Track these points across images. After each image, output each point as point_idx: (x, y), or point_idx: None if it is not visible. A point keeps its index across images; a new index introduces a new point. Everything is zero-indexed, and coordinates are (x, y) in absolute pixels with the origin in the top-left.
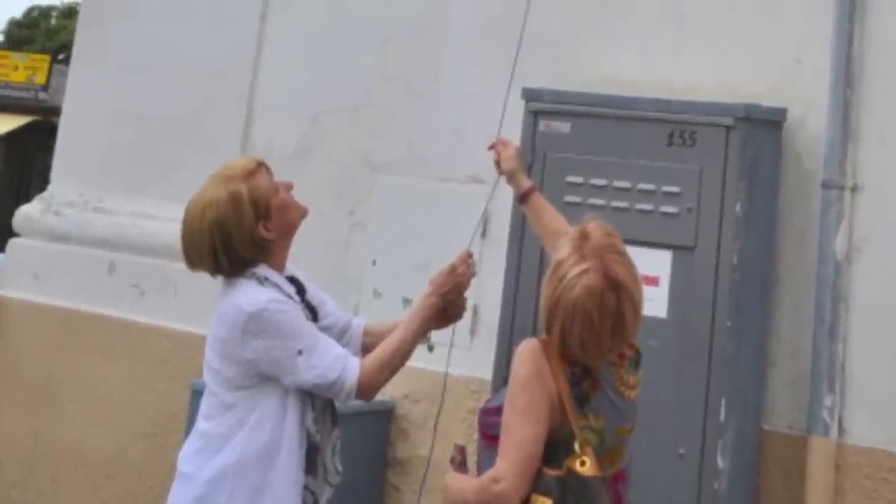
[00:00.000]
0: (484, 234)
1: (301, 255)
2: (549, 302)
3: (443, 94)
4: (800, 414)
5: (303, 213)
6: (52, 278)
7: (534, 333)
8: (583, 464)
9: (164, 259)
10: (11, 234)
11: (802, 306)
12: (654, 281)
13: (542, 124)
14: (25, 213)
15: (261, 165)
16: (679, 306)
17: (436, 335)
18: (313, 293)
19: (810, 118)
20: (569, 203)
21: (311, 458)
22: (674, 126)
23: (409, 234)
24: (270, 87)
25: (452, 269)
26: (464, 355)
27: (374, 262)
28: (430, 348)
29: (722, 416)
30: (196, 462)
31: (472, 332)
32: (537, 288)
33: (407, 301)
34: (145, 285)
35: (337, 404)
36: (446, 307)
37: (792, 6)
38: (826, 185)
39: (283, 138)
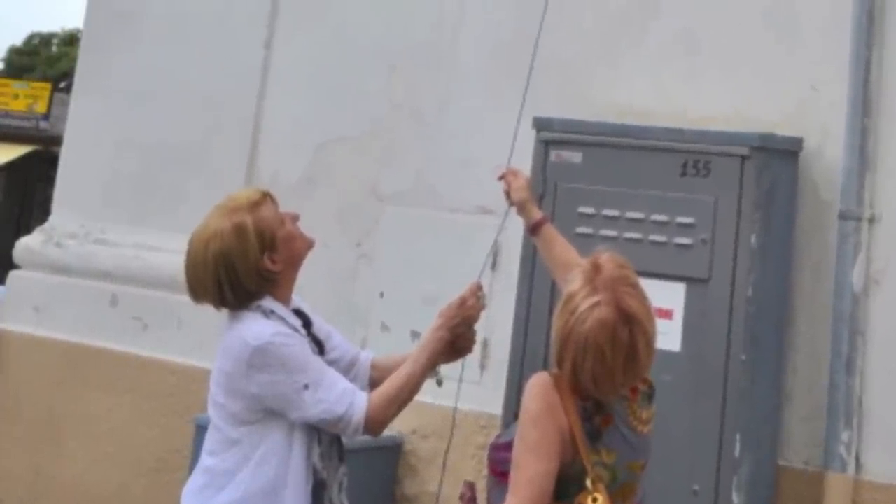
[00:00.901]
0: (494, 266)
1: (307, 288)
2: (560, 335)
3: (451, 122)
4: (816, 449)
5: (309, 244)
6: (54, 311)
7: (545, 367)
8: (595, 500)
9: (168, 292)
10: (12, 265)
11: (819, 340)
12: (667, 314)
13: (553, 154)
14: (26, 245)
15: (266, 196)
16: (693, 340)
17: (445, 369)
18: (320, 326)
19: (827, 147)
20: (580, 234)
21: (318, 495)
22: (687, 156)
23: (418, 265)
24: (275, 116)
25: (462, 302)
26: (473, 390)
27: (381, 295)
28: (439, 383)
29: (737, 452)
30: (200, 499)
31: (482, 366)
32: (548, 321)
33: (415, 334)
34: (148, 318)
35: (344, 440)
36: (455, 341)
37: (808, 33)
38: (843, 216)
39: (289, 168)
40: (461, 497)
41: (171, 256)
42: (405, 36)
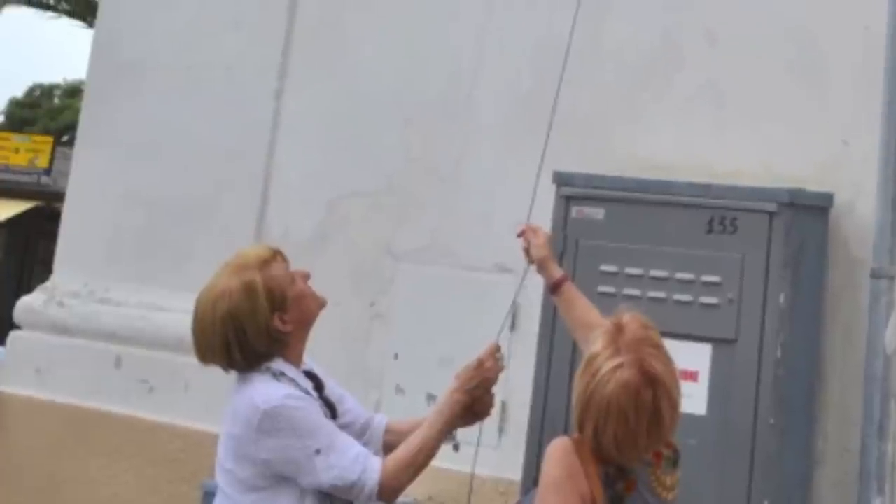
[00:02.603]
0: (513, 326)
1: (318, 349)
2: (581, 398)
3: (468, 178)
4: None
5: (321, 304)
6: (56, 373)
7: (565, 432)
8: None
9: (174, 353)
10: (12, 326)
11: (850, 403)
12: (692, 376)
13: (575, 210)
14: (27, 304)
15: (276, 254)
16: (719, 403)
17: (462, 433)
18: (332, 389)
19: (858, 203)
20: (603, 293)
21: None
22: (714, 212)
23: (434, 326)
24: (286, 170)
25: (479, 364)
26: (491, 455)
27: (396, 356)
28: (456, 447)
29: None
30: None
31: (501, 430)
32: (569, 384)
33: (431, 397)
34: (154, 381)
35: None
36: (473, 404)
37: (839, 85)
38: (875, 275)
39: (300, 224)
40: None
41: (178, 316)
42: (421, 88)
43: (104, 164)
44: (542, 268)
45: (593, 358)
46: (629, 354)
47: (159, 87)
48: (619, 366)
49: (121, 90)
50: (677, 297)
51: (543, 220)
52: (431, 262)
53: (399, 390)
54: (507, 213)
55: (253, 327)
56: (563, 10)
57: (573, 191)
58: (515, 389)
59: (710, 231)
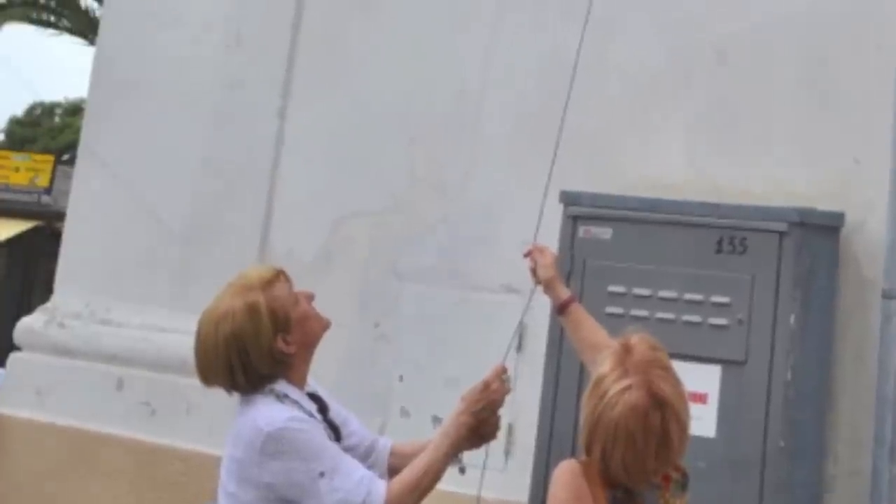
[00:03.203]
0: (519, 347)
1: (322, 370)
2: (589, 421)
3: (474, 197)
4: None
5: (325, 325)
6: (56, 395)
7: (573, 454)
8: None
9: (177, 375)
10: (12, 347)
11: (861, 425)
12: (701, 398)
13: (582, 230)
14: (27, 326)
15: (280, 274)
16: (729, 425)
17: (468, 456)
18: (336, 411)
19: (869, 223)
20: (610, 314)
21: None
22: (723, 232)
23: (439, 347)
24: (290, 189)
25: (486, 386)
26: (498, 478)
27: (401, 378)
28: (462, 470)
29: None
30: None
31: (507, 452)
32: (576, 405)
33: (437, 419)
34: (156, 403)
35: None
36: (479, 426)
37: (849, 103)
38: (886, 295)
39: (304, 244)
40: None
41: (180, 337)
42: (426, 106)
43: (105, 184)
44: (548, 288)
45: (601, 379)
46: (637, 376)
47: (161, 105)
48: (628, 388)
49: (122, 108)
50: (686, 317)
51: (550, 240)
52: (437, 282)
53: (404, 412)
54: (513, 233)
55: (256, 349)
56: (571, 28)
57: (580, 210)
58: (522, 411)
59: (719, 251)
